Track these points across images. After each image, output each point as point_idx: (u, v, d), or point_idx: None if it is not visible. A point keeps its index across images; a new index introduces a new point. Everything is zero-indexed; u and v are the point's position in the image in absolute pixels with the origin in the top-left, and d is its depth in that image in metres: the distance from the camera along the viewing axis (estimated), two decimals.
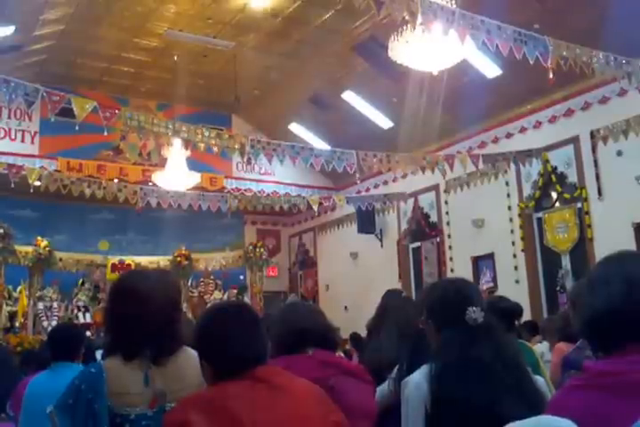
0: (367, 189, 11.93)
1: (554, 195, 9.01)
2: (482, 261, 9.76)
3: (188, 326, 2.55)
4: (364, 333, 3.88)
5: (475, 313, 1.93)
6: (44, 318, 10.43)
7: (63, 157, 10.61)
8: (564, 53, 5.43)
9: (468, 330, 1.92)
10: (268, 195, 11.38)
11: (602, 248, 7.60)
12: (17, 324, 10.25)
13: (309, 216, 13.19)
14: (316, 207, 9.64)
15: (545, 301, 8.94)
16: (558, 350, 3.86)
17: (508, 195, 9.40)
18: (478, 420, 1.75)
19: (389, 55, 6.68)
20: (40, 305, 10.51)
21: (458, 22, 4.91)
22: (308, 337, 2.24)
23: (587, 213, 8.29)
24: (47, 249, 10.56)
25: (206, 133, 6.65)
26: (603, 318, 1.22)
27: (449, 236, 10.41)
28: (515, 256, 9.17)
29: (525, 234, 9.12)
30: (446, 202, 10.52)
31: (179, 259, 11.78)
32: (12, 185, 7.63)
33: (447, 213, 10.51)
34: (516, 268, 9.14)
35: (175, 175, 9.46)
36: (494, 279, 9.49)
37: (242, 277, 12.84)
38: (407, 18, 4.88)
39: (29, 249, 10.53)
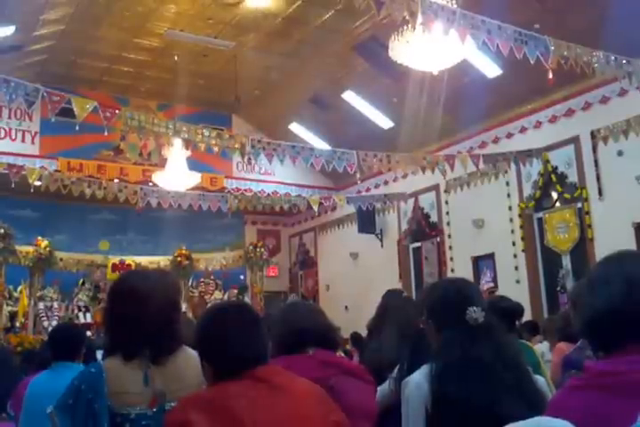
0: (367, 189, 11.93)
1: (554, 195, 9.00)
2: (482, 262, 9.76)
3: (189, 326, 2.55)
4: (364, 333, 3.88)
5: (475, 313, 1.93)
6: (44, 317, 10.43)
7: (63, 157, 10.62)
8: (565, 53, 5.43)
9: (469, 330, 1.92)
10: (269, 195, 11.38)
11: (602, 248, 7.59)
12: (17, 324, 10.25)
13: (310, 216, 13.19)
14: (316, 207, 9.63)
15: (545, 301, 8.94)
16: (559, 350, 3.87)
17: (509, 195, 9.40)
18: (479, 420, 1.75)
19: (390, 55, 6.68)
20: (40, 305, 10.51)
21: (458, 22, 4.91)
22: (309, 337, 2.24)
23: (587, 213, 8.29)
24: (47, 249, 10.56)
25: (206, 133, 6.65)
26: (603, 318, 1.22)
27: (449, 236, 10.41)
28: (515, 256, 9.17)
29: (526, 234, 9.12)
30: (447, 202, 10.52)
31: (179, 259, 11.79)
32: (13, 185, 7.63)
33: (447, 213, 10.50)
34: (516, 268, 9.13)
35: (175, 175, 9.46)
36: (495, 279, 9.49)
37: (242, 277, 12.85)
38: (407, 18, 4.87)
39: (30, 249, 10.54)
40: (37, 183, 8.15)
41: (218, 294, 12.14)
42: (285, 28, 9.46)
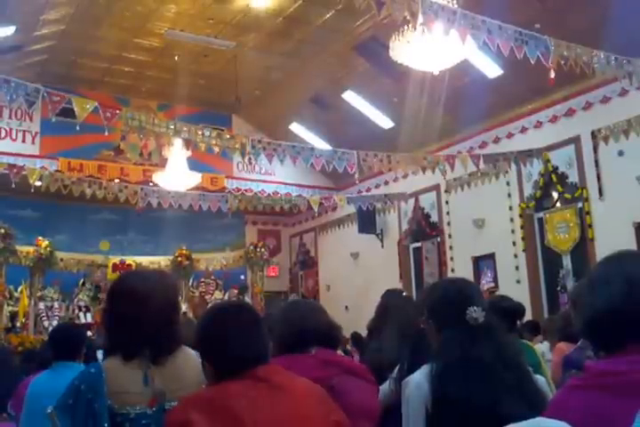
0: (368, 189, 11.93)
1: (555, 195, 9.00)
2: (483, 262, 9.76)
3: (189, 326, 2.56)
4: (364, 333, 3.88)
5: (475, 313, 1.93)
6: (44, 317, 10.44)
7: (64, 158, 10.62)
8: (565, 53, 5.43)
9: (469, 330, 1.92)
10: (269, 195, 11.38)
11: (603, 248, 7.59)
12: (18, 324, 10.26)
13: (310, 216, 13.19)
14: (316, 207, 9.63)
15: (546, 301, 8.94)
16: (559, 349, 3.87)
17: (509, 195, 9.40)
18: (479, 420, 1.75)
19: (390, 55, 6.68)
20: (41, 305, 10.52)
21: (459, 22, 4.91)
22: (311, 336, 2.24)
23: (587, 213, 8.29)
24: (48, 249, 10.57)
25: (207, 133, 6.65)
26: (603, 318, 1.22)
27: (450, 236, 10.41)
28: (516, 256, 9.17)
29: (526, 234, 9.11)
30: (447, 202, 10.52)
31: (179, 259, 11.80)
32: (13, 185, 7.63)
33: (448, 213, 10.50)
34: (516, 268, 9.13)
35: (176, 175, 9.46)
36: (495, 279, 9.49)
37: (242, 277, 12.85)
38: (408, 18, 4.87)
39: (30, 249, 10.54)
40: (38, 183, 8.14)
41: (218, 294, 12.15)
42: (286, 28, 9.46)
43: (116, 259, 11.65)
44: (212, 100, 11.80)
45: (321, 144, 11.08)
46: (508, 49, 5.19)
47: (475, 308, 1.93)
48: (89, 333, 8.62)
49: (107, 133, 6.08)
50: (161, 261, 12.03)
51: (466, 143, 10.10)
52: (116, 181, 9.85)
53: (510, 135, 9.51)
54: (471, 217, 9.80)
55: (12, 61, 9.54)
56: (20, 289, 10.65)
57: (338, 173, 7.68)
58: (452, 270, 10.18)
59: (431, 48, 6.24)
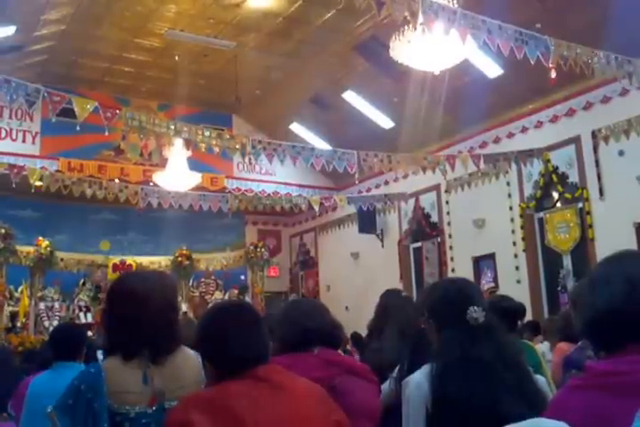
0: (368, 190, 11.93)
1: (555, 195, 9.00)
2: (483, 262, 9.75)
3: (189, 326, 2.56)
4: (364, 333, 3.88)
5: (476, 313, 1.93)
6: (45, 318, 10.44)
7: (64, 158, 10.61)
8: (565, 53, 5.42)
9: (469, 330, 1.92)
10: (269, 195, 11.38)
11: (603, 248, 7.59)
12: (18, 324, 10.26)
13: (310, 216, 13.19)
14: (316, 207, 9.63)
15: (546, 301, 8.94)
16: (559, 349, 3.86)
17: (510, 195, 9.39)
18: (479, 420, 1.75)
19: (390, 55, 6.68)
20: (41, 305, 10.52)
21: (459, 22, 4.91)
22: (313, 336, 2.23)
23: (588, 213, 8.28)
24: (48, 249, 10.57)
25: (207, 134, 6.65)
26: (604, 318, 1.22)
27: (450, 236, 10.41)
28: (516, 256, 9.17)
29: (526, 234, 9.11)
30: (447, 202, 10.52)
31: (180, 259, 11.80)
32: (14, 185, 7.64)
33: (448, 213, 10.50)
34: (517, 268, 9.13)
35: (176, 175, 9.46)
36: (495, 279, 9.49)
37: (243, 277, 12.85)
38: (408, 17, 4.87)
39: (31, 249, 10.55)
40: (38, 183, 8.15)
41: (218, 295, 12.14)
42: (286, 28, 9.46)
43: (116, 259, 11.65)
44: (213, 100, 11.80)
45: (321, 144, 11.08)
46: (509, 49, 5.19)
47: (475, 308, 1.93)
48: (89, 333, 8.63)
49: (107, 133, 6.08)
50: (161, 261, 12.04)
51: (466, 143, 10.10)
52: (117, 181, 9.85)
53: (511, 135, 9.50)
54: (471, 217, 9.80)
55: (13, 61, 9.54)
56: (20, 289, 10.65)
57: (338, 173, 7.68)
58: (453, 270, 10.18)
59: (431, 48, 6.24)
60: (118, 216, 12.17)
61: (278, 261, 13.77)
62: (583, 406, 1.17)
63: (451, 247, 10.35)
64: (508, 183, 9.40)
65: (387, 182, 11.63)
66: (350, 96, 10.70)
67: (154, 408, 1.85)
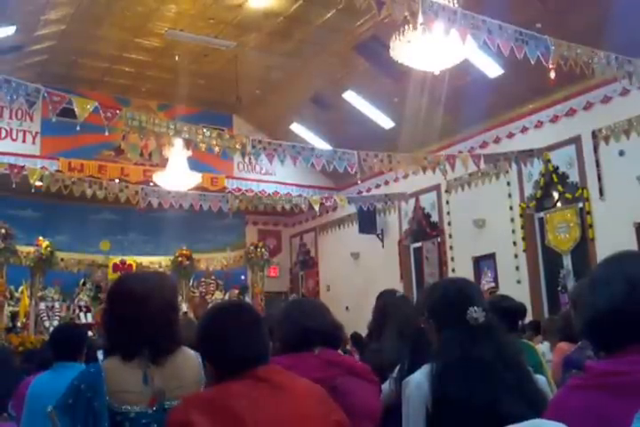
0: (368, 190, 11.93)
1: (555, 195, 9.00)
2: (483, 262, 9.75)
3: (190, 326, 2.56)
4: (364, 333, 3.88)
5: (476, 313, 1.92)
6: (45, 318, 10.44)
7: (64, 158, 10.62)
8: (565, 53, 5.42)
9: (469, 330, 1.92)
10: (269, 195, 11.38)
11: (603, 248, 7.59)
12: (19, 324, 10.26)
13: (310, 216, 13.19)
14: (317, 207, 9.63)
15: (546, 301, 8.94)
16: (559, 349, 3.86)
17: (510, 195, 9.39)
18: (479, 419, 1.75)
19: (391, 55, 6.68)
20: (42, 305, 10.52)
21: (459, 22, 4.91)
22: (314, 336, 2.23)
23: (588, 213, 8.28)
24: (48, 249, 10.57)
25: (207, 133, 6.65)
26: (604, 319, 1.22)
27: (450, 236, 10.41)
28: (516, 256, 9.16)
29: (527, 234, 9.11)
30: (447, 202, 10.52)
31: (180, 259, 11.79)
32: (14, 185, 7.64)
33: (448, 213, 10.50)
34: (517, 268, 9.13)
35: (176, 175, 9.47)
36: (495, 279, 9.49)
37: (243, 277, 12.85)
38: (408, 17, 4.87)
39: (31, 249, 10.55)
40: (38, 183, 8.15)
41: (219, 295, 12.14)
42: (286, 28, 9.46)
43: (116, 259, 11.65)
44: (213, 100, 11.80)
45: (321, 144, 11.08)
46: (509, 49, 5.19)
47: (475, 308, 1.93)
48: (89, 333, 8.63)
49: (107, 133, 6.07)
50: (161, 261, 12.04)
51: (466, 143, 10.10)
52: (117, 181, 9.84)
53: (511, 135, 9.50)
54: (472, 217, 9.80)
55: (13, 61, 9.55)
56: (20, 289, 10.65)
57: (338, 173, 7.68)
58: (453, 270, 10.18)
59: (431, 48, 6.24)
60: (118, 216, 12.17)
61: (278, 261, 13.77)
62: (583, 406, 1.17)
63: (451, 247, 10.35)
64: (509, 183, 9.40)
65: (387, 182, 11.63)
66: (350, 96, 10.70)
67: (154, 408, 1.85)
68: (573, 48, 5.51)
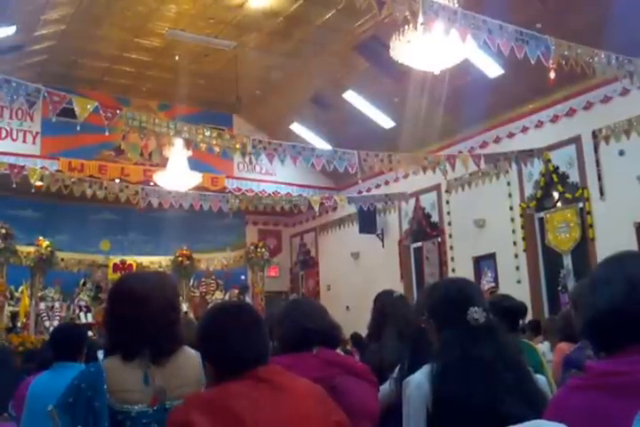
0: (368, 189, 11.93)
1: (555, 195, 9.00)
2: (483, 262, 9.75)
3: (190, 326, 2.56)
4: (365, 333, 3.88)
5: (476, 313, 1.92)
6: (45, 318, 10.44)
7: (64, 158, 10.62)
8: (566, 53, 5.42)
9: (470, 330, 1.92)
10: (270, 195, 11.38)
11: (603, 248, 7.59)
12: (19, 324, 10.26)
13: (310, 216, 13.19)
14: (317, 207, 9.63)
15: (546, 301, 8.94)
16: (560, 349, 3.86)
17: (510, 195, 9.39)
18: (479, 419, 1.75)
19: (391, 55, 6.68)
20: (42, 305, 10.52)
21: (459, 22, 4.91)
22: (313, 336, 2.24)
23: (588, 212, 8.28)
24: (49, 249, 10.58)
25: (207, 133, 6.65)
26: (604, 319, 1.22)
27: (450, 236, 10.41)
28: (516, 256, 9.16)
29: (527, 234, 9.11)
30: (448, 202, 10.52)
31: (180, 259, 11.80)
32: (14, 185, 7.64)
33: (448, 213, 10.50)
34: (517, 268, 9.13)
35: (176, 175, 9.46)
36: (496, 279, 9.49)
37: (243, 277, 12.85)
38: (409, 17, 4.87)
39: (31, 249, 10.55)
40: (39, 183, 8.16)
41: (219, 295, 12.15)
42: (286, 28, 9.46)
43: (116, 259, 11.65)
44: (213, 99, 11.80)
45: (322, 144, 11.08)
46: (509, 49, 5.19)
47: (475, 308, 1.93)
48: (90, 333, 8.63)
49: (107, 133, 6.08)
50: (162, 261, 12.04)
51: (467, 143, 10.10)
52: (117, 181, 9.85)
53: (511, 135, 9.50)
54: (472, 217, 9.80)
55: (13, 61, 9.55)
56: (20, 289, 10.66)
57: (338, 172, 7.69)
58: (453, 270, 10.18)
59: (432, 48, 6.24)
60: (119, 216, 12.17)
61: (279, 261, 13.78)
62: (583, 406, 1.17)
63: (451, 247, 10.35)
64: (509, 183, 9.40)
65: (387, 182, 11.63)
66: (351, 96, 10.70)
67: (155, 408, 1.85)
68: (574, 48, 5.51)
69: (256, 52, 10.17)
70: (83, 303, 11.16)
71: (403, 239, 11.43)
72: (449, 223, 10.48)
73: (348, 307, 11.63)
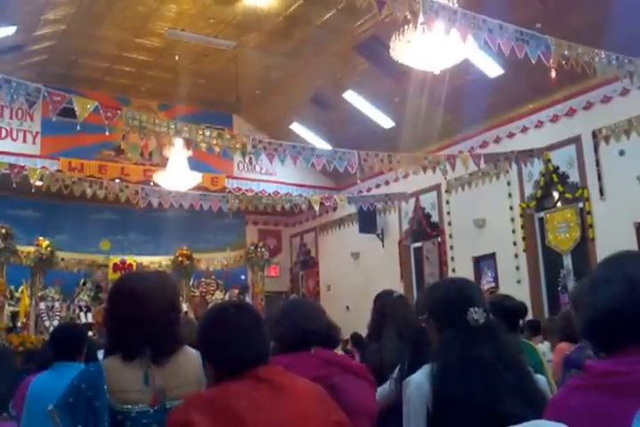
0: (368, 189, 11.93)
1: (555, 195, 9.00)
2: (483, 262, 9.75)
3: (190, 326, 2.56)
4: (365, 333, 3.88)
5: (476, 314, 1.92)
6: (45, 317, 10.44)
7: (65, 157, 10.61)
8: (566, 53, 5.42)
9: (470, 330, 1.92)
10: (270, 195, 11.38)
11: (603, 248, 7.58)
12: (19, 324, 10.26)
13: (311, 216, 13.19)
14: (317, 207, 9.63)
15: (546, 301, 8.94)
16: (560, 349, 3.86)
17: (510, 195, 9.39)
18: (480, 419, 1.75)
19: (391, 55, 6.67)
20: (42, 305, 10.52)
21: (459, 22, 4.91)
22: (312, 337, 2.24)
23: (588, 212, 8.28)
24: (49, 249, 10.57)
25: (207, 133, 6.65)
26: (604, 319, 1.22)
27: (450, 236, 10.41)
28: (516, 256, 9.16)
29: (527, 234, 9.11)
30: (448, 202, 10.52)
31: (180, 259, 11.80)
32: (14, 185, 7.64)
33: (448, 213, 10.50)
34: (517, 268, 9.13)
35: (176, 175, 9.46)
36: (496, 279, 9.48)
37: (243, 277, 12.85)
38: (409, 17, 4.87)
39: (31, 249, 10.55)
40: (39, 183, 8.15)
41: (219, 294, 12.15)
42: (286, 28, 9.46)
43: (116, 259, 11.65)
44: (213, 99, 11.80)
45: (322, 144, 11.08)
46: (509, 48, 5.19)
47: (475, 309, 1.93)
48: (90, 333, 8.63)
49: (107, 133, 6.08)
50: (162, 260, 12.04)
51: (467, 143, 10.10)
52: (117, 180, 9.85)
53: (511, 135, 9.50)
54: (472, 217, 9.80)
55: (13, 61, 9.55)
56: (20, 289, 10.66)
57: (338, 172, 7.69)
58: (453, 270, 10.18)
59: (432, 47, 6.24)
60: (119, 216, 12.17)
61: (279, 261, 13.78)
62: (583, 406, 1.18)
63: (451, 247, 10.35)
64: (509, 183, 9.40)
65: (387, 182, 11.63)
66: (351, 96, 10.70)
67: (155, 408, 1.85)
68: (574, 48, 5.52)
69: (256, 51, 10.16)
70: (83, 303, 11.16)
71: (403, 239, 11.43)
72: (449, 223, 10.48)
73: (347, 307, 11.63)
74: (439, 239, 10.68)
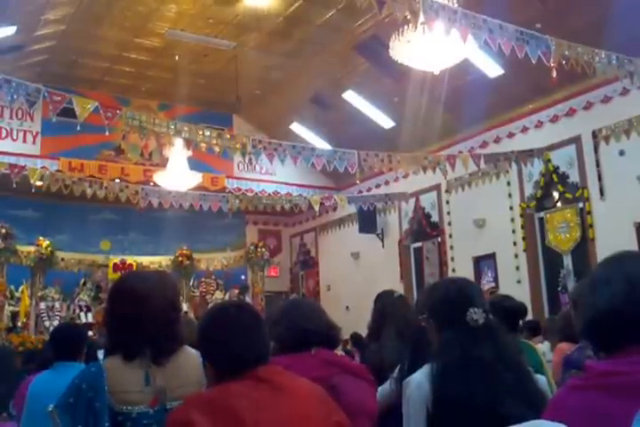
0: (368, 189, 11.93)
1: (555, 195, 9.00)
2: (483, 262, 9.75)
3: (190, 326, 2.56)
4: (365, 333, 3.88)
5: (476, 314, 1.92)
6: (45, 317, 10.45)
7: (65, 157, 10.62)
8: (566, 53, 5.42)
9: (470, 330, 1.92)
10: (270, 195, 11.38)
11: (604, 248, 7.59)
12: (19, 324, 10.27)
13: (310, 216, 13.19)
14: (317, 207, 9.63)
15: (546, 301, 8.93)
16: (559, 349, 3.86)
17: (510, 195, 9.39)
18: (479, 419, 1.75)
19: (391, 55, 6.67)
20: (42, 305, 10.53)
21: (459, 21, 4.91)
22: (312, 337, 2.24)
23: (588, 212, 8.28)
24: (49, 249, 10.58)
25: (207, 133, 6.65)
26: (604, 319, 1.22)
27: (450, 236, 10.41)
28: (516, 256, 9.16)
29: (527, 234, 9.11)
30: (448, 202, 10.52)
31: (180, 259, 11.81)
32: (14, 185, 7.65)
33: (448, 212, 10.50)
34: (517, 268, 9.13)
35: (176, 175, 9.47)
36: (496, 279, 9.48)
37: (243, 277, 12.85)
38: (409, 17, 4.87)
39: (31, 249, 10.56)
40: (39, 183, 8.16)
41: (219, 294, 12.15)
42: (286, 28, 9.46)
43: (116, 259, 11.66)
44: (213, 99, 11.80)
45: (321, 144, 11.09)
46: (509, 48, 5.19)
47: (475, 309, 1.93)
48: (90, 333, 8.63)
49: (107, 133, 6.09)
50: (162, 260, 12.05)
51: (467, 143, 10.10)
52: (117, 180, 9.85)
53: (511, 135, 9.50)
54: (472, 217, 9.80)
55: (13, 61, 9.55)
56: (20, 289, 10.66)
57: (338, 172, 7.69)
58: (453, 270, 10.18)
59: (432, 47, 6.24)
60: (119, 216, 12.17)
61: (279, 261, 13.78)
62: (582, 406, 1.17)
63: (451, 247, 10.35)
64: (509, 183, 9.40)
65: (387, 182, 11.63)
66: (351, 96, 10.70)
67: (156, 409, 1.85)
68: (574, 48, 5.52)
69: (256, 51, 10.17)
70: (83, 303, 11.17)
71: (403, 239, 11.43)
72: (449, 223, 10.48)
73: (347, 307, 11.64)
74: (439, 239, 10.68)
